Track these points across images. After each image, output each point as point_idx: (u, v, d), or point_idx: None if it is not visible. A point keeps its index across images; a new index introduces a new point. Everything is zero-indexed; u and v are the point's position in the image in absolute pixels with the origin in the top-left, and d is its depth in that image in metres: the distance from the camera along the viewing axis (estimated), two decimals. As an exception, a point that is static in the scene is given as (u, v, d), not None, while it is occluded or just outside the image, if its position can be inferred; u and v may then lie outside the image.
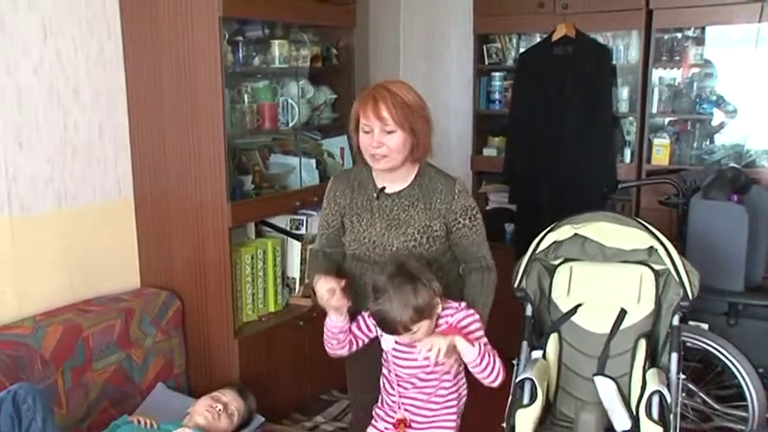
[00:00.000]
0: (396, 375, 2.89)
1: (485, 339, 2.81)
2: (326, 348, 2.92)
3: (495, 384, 2.74)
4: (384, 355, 2.91)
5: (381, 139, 2.79)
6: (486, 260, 3.03)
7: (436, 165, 5.54)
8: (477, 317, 2.83)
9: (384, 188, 2.96)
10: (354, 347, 2.89)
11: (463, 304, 2.82)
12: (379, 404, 2.97)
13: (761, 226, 4.18)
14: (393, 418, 2.91)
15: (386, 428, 2.92)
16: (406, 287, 2.62)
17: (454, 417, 2.91)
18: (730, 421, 3.93)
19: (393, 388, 2.90)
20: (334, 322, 2.82)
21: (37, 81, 3.29)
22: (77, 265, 3.52)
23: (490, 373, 2.72)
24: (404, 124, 2.79)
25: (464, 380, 2.95)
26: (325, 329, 2.88)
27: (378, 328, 2.81)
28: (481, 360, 2.70)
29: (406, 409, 2.89)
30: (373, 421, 2.97)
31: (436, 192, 2.92)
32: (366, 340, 2.91)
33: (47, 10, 3.30)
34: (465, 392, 2.96)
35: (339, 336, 2.86)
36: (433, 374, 2.84)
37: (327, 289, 2.72)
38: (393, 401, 2.91)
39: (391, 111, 2.77)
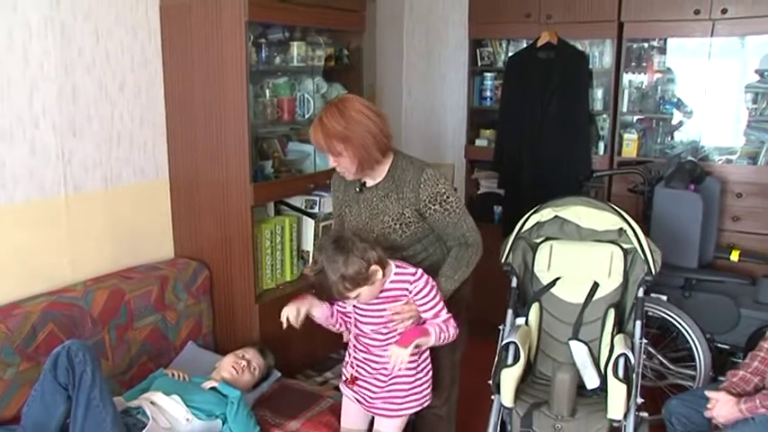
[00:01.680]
0: (357, 332, 2.84)
1: (440, 306, 2.74)
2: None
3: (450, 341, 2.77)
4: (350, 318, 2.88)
5: (334, 161, 2.84)
6: (465, 237, 2.97)
7: (435, 152, 5.59)
8: (432, 284, 2.73)
9: (365, 183, 2.98)
10: (349, 325, 2.89)
11: (420, 272, 2.71)
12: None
13: (712, 212, 4.25)
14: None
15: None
16: (338, 258, 2.57)
17: (410, 381, 2.83)
18: (681, 379, 3.98)
19: (354, 347, 2.88)
20: (318, 318, 2.85)
21: (89, 78, 3.30)
22: (121, 238, 3.53)
23: (445, 340, 2.74)
24: (339, 151, 2.77)
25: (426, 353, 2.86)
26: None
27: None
28: (437, 339, 2.70)
29: (360, 367, 2.86)
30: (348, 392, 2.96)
31: (405, 182, 2.90)
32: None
33: (100, 18, 3.32)
34: (427, 363, 2.87)
35: (330, 323, 2.90)
36: (390, 333, 2.76)
37: (290, 315, 2.76)
38: (352, 359, 2.90)
39: (322, 142, 2.79)
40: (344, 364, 2.98)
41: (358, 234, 2.72)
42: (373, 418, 2.94)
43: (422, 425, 3.29)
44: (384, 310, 2.73)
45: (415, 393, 2.84)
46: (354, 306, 2.79)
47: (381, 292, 2.69)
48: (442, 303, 2.76)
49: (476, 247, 3.00)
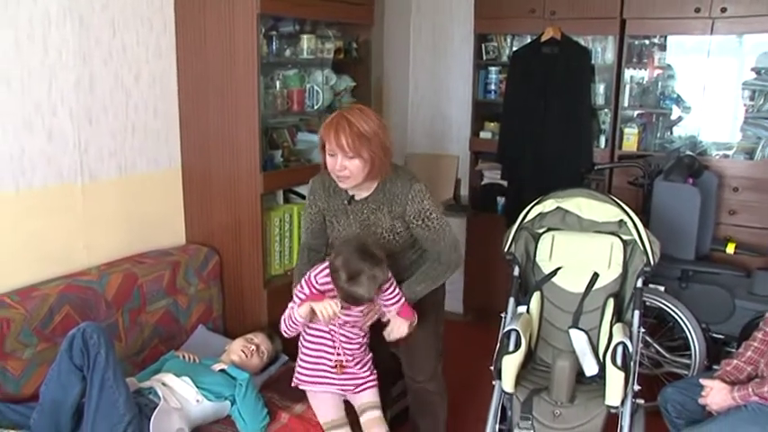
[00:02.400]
0: (340, 332, 2.92)
1: (399, 298, 2.92)
2: (283, 332, 2.93)
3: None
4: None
5: (344, 163, 2.79)
6: (440, 255, 2.99)
7: (440, 144, 5.58)
8: (393, 281, 2.89)
9: (353, 196, 2.98)
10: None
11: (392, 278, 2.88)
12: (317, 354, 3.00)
13: (710, 205, 4.26)
14: (332, 360, 2.95)
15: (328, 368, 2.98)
16: (376, 270, 2.70)
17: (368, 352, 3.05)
18: (677, 367, 4.01)
19: (333, 337, 2.93)
20: (303, 318, 2.81)
21: (106, 69, 3.30)
22: (134, 224, 3.54)
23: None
24: (360, 152, 2.76)
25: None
26: (290, 321, 2.87)
27: (327, 294, 2.82)
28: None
29: (345, 352, 2.95)
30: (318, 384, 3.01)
31: (395, 196, 2.92)
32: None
33: (116, 9, 3.32)
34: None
35: (300, 326, 2.89)
36: (360, 319, 2.94)
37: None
38: (333, 348, 2.94)
39: (348, 141, 2.74)
40: (315, 357, 2.98)
41: (374, 239, 2.87)
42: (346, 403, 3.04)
43: (416, 402, 3.32)
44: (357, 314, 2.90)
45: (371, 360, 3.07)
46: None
47: None
48: (400, 295, 2.92)
49: (446, 266, 3.02)
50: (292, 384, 3.07)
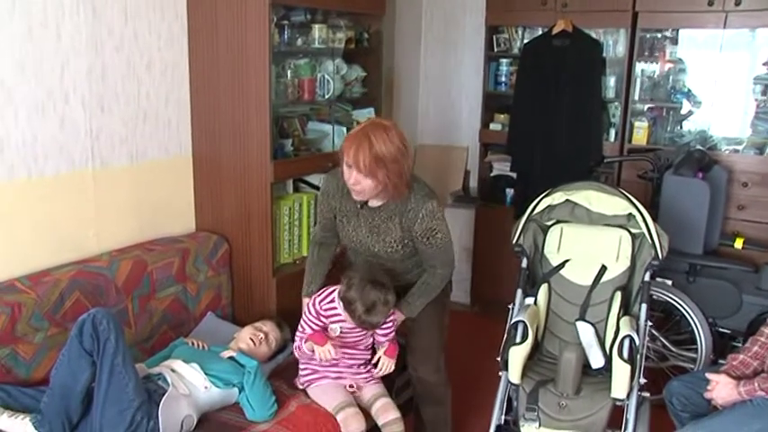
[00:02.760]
0: (342, 352, 3.07)
1: (391, 330, 3.12)
2: (296, 347, 3.14)
3: None
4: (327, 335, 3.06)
5: (358, 179, 2.81)
6: (436, 268, 3.08)
7: (450, 135, 5.57)
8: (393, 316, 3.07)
9: (367, 202, 3.00)
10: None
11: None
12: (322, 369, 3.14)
13: (719, 200, 4.24)
14: (341, 375, 3.13)
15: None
16: (388, 296, 2.88)
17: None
18: (683, 361, 4.00)
19: (338, 360, 3.08)
20: (310, 351, 3.02)
21: (118, 57, 3.31)
22: (145, 211, 3.56)
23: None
24: (375, 174, 2.77)
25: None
26: (302, 351, 3.08)
27: (330, 319, 3.03)
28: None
29: (348, 366, 3.13)
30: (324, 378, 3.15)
31: (406, 211, 2.95)
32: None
33: (129, -3, 3.35)
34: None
35: (309, 355, 3.06)
36: (363, 342, 3.13)
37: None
38: (339, 366, 3.12)
39: (366, 161, 2.74)
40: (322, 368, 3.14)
41: (384, 269, 3.01)
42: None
43: (421, 392, 3.34)
44: (363, 334, 3.09)
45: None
46: (341, 334, 3.06)
47: None
48: (393, 326, 3.12)
49: (441, 278, 3.13)
50: (299, 386, 3.16)
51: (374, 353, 3.18)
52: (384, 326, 3.06)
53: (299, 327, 3.10)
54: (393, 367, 3.09)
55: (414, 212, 2.93)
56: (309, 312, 3.04)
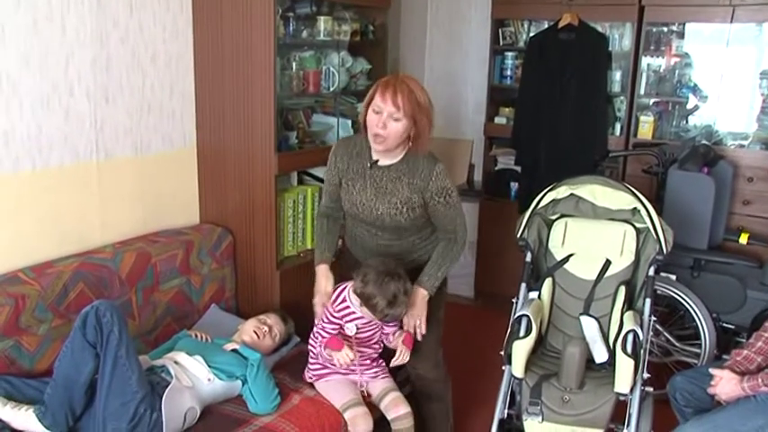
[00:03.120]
0: (357, 349, 3.04)
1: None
2: (310, 347, 3.14)
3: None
4: (343, 335, 3.06)
5: (387, 123, 2.82)
6: (456, 233, 3.06)
7: (455, 128, 5.58)
8: None
9: (377, 161, 3.00)
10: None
11: None
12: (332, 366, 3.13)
13: (724, 195, 4.24)
14: (354, 372, 3.13)
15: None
16: (407, 285, 2.88)
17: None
18: (686, 356, 4.00)
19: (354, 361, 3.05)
20: (328, 357, 3.04)
21: (123, 48, 3.30)
22: (149, 203, 3.55)
23: None
24: (410, 116, 2.83)
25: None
26: (324, 356, 3.07)
27: (344, 319, 3.02)
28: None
29: (361, 364, 3.12)
30: (334, 374, 3.15)
31: (418, 170, 2.95)
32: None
33: (134, -12, 3.33)
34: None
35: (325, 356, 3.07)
36: (375, 337, 3.12)
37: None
38: (353, 365, 3.09)
39: (405, 103, 2.81)
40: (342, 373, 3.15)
41: (397, 262, 2.97)
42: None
43: (420, 389, 3.34)
44: (376, 328, 3.09)
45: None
46: (357, 331, 3.05)
47: None
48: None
49: (461, 244, 3.09)
50: (308, 380, 3.16)
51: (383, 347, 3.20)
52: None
53: (313, 335, 3.10)
54: (408, 357, 3.05)
55: (427, 172, 2.95)
56: (324, 318, 3.04)
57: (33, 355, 2.83)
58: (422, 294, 3.04)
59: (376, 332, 3.11)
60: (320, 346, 3.03)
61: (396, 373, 3.27)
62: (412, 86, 2.85)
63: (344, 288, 3.02)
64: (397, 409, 3.07)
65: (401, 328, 3.12)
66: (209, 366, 2.92)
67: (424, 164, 2.96)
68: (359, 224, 3.13)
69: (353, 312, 2.99)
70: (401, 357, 3.03)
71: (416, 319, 3.06)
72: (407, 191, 2.96)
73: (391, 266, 2.90)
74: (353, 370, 3.12)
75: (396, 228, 3.03)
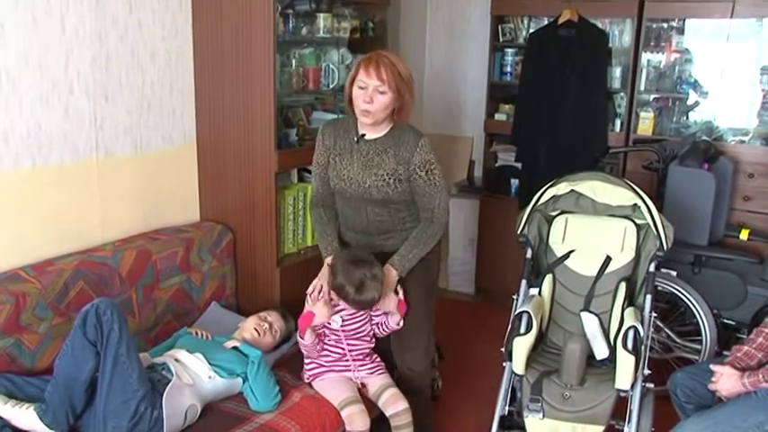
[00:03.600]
0: (347, 342, 3.12)
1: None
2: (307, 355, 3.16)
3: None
4: (331, 330, 3.13)
5: (373, 97, 2.91)
6: (434, 213, 3.10)
7: (455, 125, 5.58)
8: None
9: (364, 135, 3.07)
10: (321, 342, 3.14)
11: None
12: (328, 364, 3.16)
13: (724, 191, 4.23)
14: (348, 368, 3.14)
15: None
16: (375, 269, 2.94)
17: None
18: (687, 353, 3.99)
19: (345, 353, 3.12)
20: (309, 340, 3.04)
21: (122, 46, 3.30)
22: (149, 201, 3.55)
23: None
24: (395, 88, 2.91)
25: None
26: (303, 350, 3.11)
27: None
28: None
29: (354, 359, 3.15)
30: (330, 372, 3.16)
31: (404, 142, 3.03)
32: (322, 329, 3.13)
33: (132, -14, 3.33)
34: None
35: (313, 347, 3.08)
36: (365, 329, 3.17)
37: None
38: (345, 360, 3.15)
39: (388, 75, 2.90)
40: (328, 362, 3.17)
41: (363, 249, 3.10)
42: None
43: (404, 383, 3.33)
44: (364, 320, 3.15)
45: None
46: (343, 323, 3.11)
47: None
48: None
49: (438, 227, 3.13)
50: (305, 381, 3.17)
51: (377, 341, 3.22)
52: (376, 308, 3.13)
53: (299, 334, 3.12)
54: (399, 320, 3.12)
55: (412, 144, 3.02)
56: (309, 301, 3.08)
57: (34, 354, 2.83)
58: (392, 275, 3.07)
59: (364, 324, 3.15)
60: (307, 333, 3.03)
61: (393, 372, 3.28)
62: (393, 60, 2.94)
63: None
64: (395, 405, 3.07)
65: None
66: (210, 364, 2.92)
67: (410, 136, 3.04)
68: (347, 201, 3.17)
69: (337, 305, 3.06)
70: (387, 304, 3.09)
71: (390, 301, 3.09)
72: (393, 162, 3.02)
73: (359, 255, 3.01)
74: (347, 367, 3.12)
75: (384, 200, 3.07)
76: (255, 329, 3.24)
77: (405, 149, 3.01)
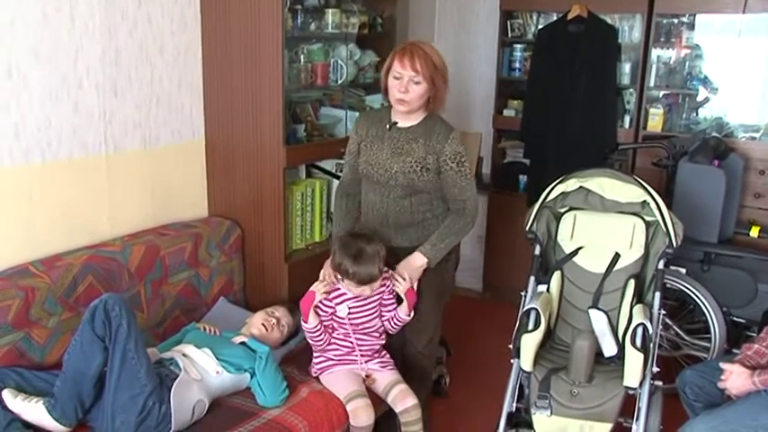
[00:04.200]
0: (355, 337, 3.12)
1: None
2: (315, 349, 3.18)
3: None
4: (339, 322, 3.13)
5: (408, 87, 2.96)
6: (465, 205, 3.11)
7: (463, 121, 5.57)
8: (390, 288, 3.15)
9: (396, 123, 3.10)
10: (328, 334, 3.14)
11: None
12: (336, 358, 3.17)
13: (735, 188, 4.21)
14: (356, 363, 3.15)
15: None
16: (373, 244, 2.98)
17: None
18: (696, 350, 3.98)
19: (354, 347, 3.13)
20: (312, 324, 3.06)
21: (131, 41, 3.31)
22: (157, 196, 3.56)
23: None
24: (429, 78, 2.96)
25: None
26: (308, 338, 3.14)
27: (334, 301, 3.10)
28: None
29: (362, 354, 3.15)
30: (337, 366, 3.17)
31: (435, 133, 3.06)
32: (330, 321, 3.13)
33: (142, -19, 3.34)
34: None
35: (317, 335, 3.09)
36: (374, 324, 3.16)
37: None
38: (354, 355, 3.15)
39: (423, 66, 2.94)
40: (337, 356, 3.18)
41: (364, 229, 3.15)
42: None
43: (405, 365, 3.34)
44: (373, 305, 3.13)
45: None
46: (350, 313, 3.10)
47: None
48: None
49: (470, 219, 3.14)
50: (313, 374, 3.18)
51: (388, 336, 3.23)
52: (386, 300, 3.15)
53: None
54: (409, 312, 3.14)
55: (443, 135, 3.05)
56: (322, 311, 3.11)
57: (43, 348, 2.85)
58: (419, 258, 3.09)
59: (373, 318, 3.14)
60: (311, 317, 3.06)
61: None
62: (427, 50, 2.99)
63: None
64: (404, 401, 3.07)
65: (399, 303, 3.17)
66: (218, 359, 2.93)
67: (441, 128, 3.08)
68: (372, 187, 3.18)
69: (344, 294, 3.07)
70: (402, 286, 3.11)
71: (405, 273, 3.11)
72: (423, 151, 3.05)
73: (356, 231, 3.13)
74: (355, 361, 3.14)
75: (409, 187, 3.08)
76: (263, 325, 3.25)
77: (436, 140, 3.04)
